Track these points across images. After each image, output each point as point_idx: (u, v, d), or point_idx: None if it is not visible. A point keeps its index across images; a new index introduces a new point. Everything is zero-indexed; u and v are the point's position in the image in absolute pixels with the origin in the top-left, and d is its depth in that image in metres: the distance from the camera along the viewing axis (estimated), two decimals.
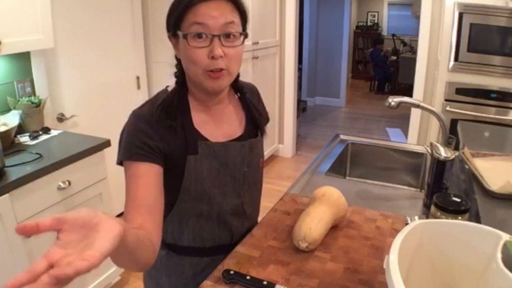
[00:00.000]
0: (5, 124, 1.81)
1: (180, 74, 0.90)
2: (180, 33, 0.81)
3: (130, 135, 0.83)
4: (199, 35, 0.79)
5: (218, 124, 0.93)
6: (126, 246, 0.59)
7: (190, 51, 0.80)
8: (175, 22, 0.82)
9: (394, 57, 7.26)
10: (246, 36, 0.85)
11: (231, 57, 0.82)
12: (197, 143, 0.87)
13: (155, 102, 0.86)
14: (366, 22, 8.23)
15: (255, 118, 0.98)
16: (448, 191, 1.14)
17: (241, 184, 0.95)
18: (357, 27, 8.16)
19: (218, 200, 0.92)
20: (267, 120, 1.10)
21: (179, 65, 0.90)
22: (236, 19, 0.83)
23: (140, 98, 2.88)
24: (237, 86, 0.99)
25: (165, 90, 0.92)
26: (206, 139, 0.89)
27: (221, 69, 0.81)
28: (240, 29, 0.84)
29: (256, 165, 0.98)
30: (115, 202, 2.17)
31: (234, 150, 0.91)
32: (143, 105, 0.88)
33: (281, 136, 4.12)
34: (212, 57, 0.79)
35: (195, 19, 0.79)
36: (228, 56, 0.81)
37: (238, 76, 0.95)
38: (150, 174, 0.81)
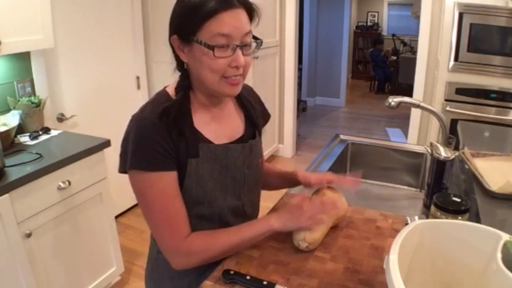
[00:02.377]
0: (5, 124, 1.81)
1: (185, 78, 0.88)
2: (199, 39, 0.79)
3: (139, 144, 0.81)
4: (222, 46, 0.79)
5: (220, 124, 0.93)
6: None
7: (212, 61, 0.79)
8: (192, 28, 0.79)
9: (394, 57, 7.26)
10: (261, 43, 0.86)
11: (247, 64, 0.84)
12: (198, 146, 0.86)
13: (155, 104, 0.85)
14: (366, 22, 8.23)
15: (253, 118, 0.99)
16: (448, 191, 1.14)
17: (241, 186, 0.95)
18: (357, 27, 8.16)
19: (219, 202, 0.91)
20: (268, 117, 1.10)
21: (179, 66, 0.88)
22: (250, 27, 0.83)
23: (140, 98, 2.89)
24: None
25: (164, 91, 0.90)
26: (208, 141, 0.88)
27: (239, 76, 0.83)
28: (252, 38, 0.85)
29: (256, 166, 0.98)
30: (115, 202, 2.18)
31: (236, 151, 0.91)
32: (143, 110, 0.86)
33: (281, 136, 4.12)
34: (236, 66, 0.81)
35: (220, 30, 0.77)
36: (245, 64, 0.83)
37: None
38: (174, 184, 0.85)
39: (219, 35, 0.78)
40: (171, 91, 0.90)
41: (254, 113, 1.00)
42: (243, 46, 0.81)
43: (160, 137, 0.81)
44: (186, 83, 0.88)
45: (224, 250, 0.88)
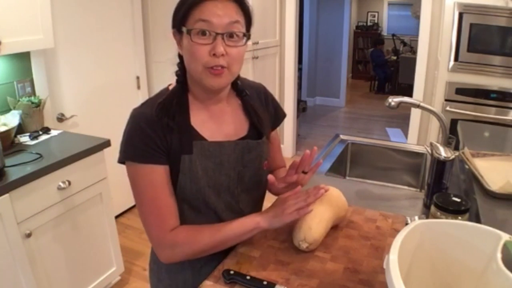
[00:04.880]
0: (5, 124, 1.81)
1: (181, 73, 0.91)
2: (184, 28, 0.82)
3: (133, 137, 0.84)
4: (203, 32, 0.80)
5: (218, 123, 0.93)
6: None
7: (193, 47, 0.81)
8: (181, 19, 0.83)
9: (394, 57, 7.26)
10: (249, 37, 0.86)
11: (233, 57, 0.83)
12: (192, 143, 0.87)
13: (155, 100, 0.87)
14: (366, 22, 8.23)
15: (254, 120, 0.98)
16: (448, 191, 1.14)
17: (235, 183, 0.95)
18: (357, 27, 8.16)
19: (213, 199, 0.92)
20: (282, 117, 1.10)
21: (180, 63, 0.91)
22: (241, 19, 0.84)
23: (140, 98, 2.89)
24: (238, 88, 0.98)
25: (167, 89, 0.93)
26: (203, 138, 0.89)
27: (222, 67, 0.82)
28: (243, 30, 0.85)
29: (256, 167, 0.97)
30: (115, 202, 2.17)
31: (229, 149, 0.92)
32: (143, 104, 0.89)
33: (281, 136, 4.13)
34: (214, 55, 0.80)
35: (200, 16, 0.80)
36: (230, 55, 0.82)
37: (238, 77, 0.95)
38: (164, 178, 0.86)
39: (200, 20, 0.80)
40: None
41: (255, 115, 0.98)
42: (227, 36, 0.81)
43: (152, 132, 0.83)
44: (181, 78, 0.91)
45: (209, 245, 0.88)
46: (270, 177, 0.93)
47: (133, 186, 0.87)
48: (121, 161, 0.87)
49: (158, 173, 0.85)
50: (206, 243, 0.88)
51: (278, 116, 1.09)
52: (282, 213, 0.88)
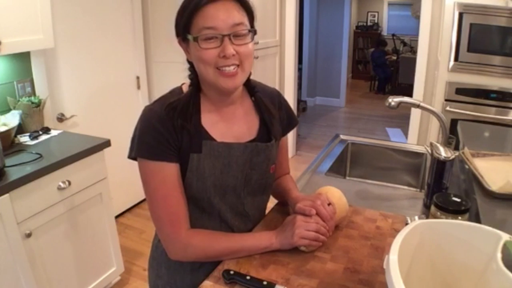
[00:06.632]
0: (5, 124, 1.81)
1: (194, 76, 0.91)
2: (190, 36, 0.82)
3: (145, 134, 0.85)
4: (209, 38, 0.80)
5: (229, 125, 0.93)
6: None
7: (201, 53, 0.81)
8: (184, 27, 0.83)
9: (394, 57, 7.26)
10: (255, 32, 0.86)
11: (243, 54, 0.83)
12: (201, 142, 0.88)
13: (168, 99, 0.88)
14: (366, 22, 8.23)
15: (267, 123, 0.98)
16: (448, 191, 1.14)
17: (242, 185, 0.95)
18: (357, 27, 8.16)
19: (218, 199, 0.92)
20: (294, 123, 1.09)
21: (192, 67, 0.91)
22: (244, 18, 0.84)
23: (140, 98, 2.89)
24: (250, 87, 0.98)
25: (180, 88, 0.93)
26: (212, 139, 0.89)
27: (235, 66, 0.83)
28: (248, 27, 0.85)
29: (264, 170, 0.97)
30: (115, 202, 2.18)
31: (238, 150, 0.92)
32: (155, 102, 0.90)
33: None
34: (224, 56, 0.81)
35: (204, 23, 0.80)
36: (240, 54, 0.83)
37: (249, 76, 0.95)
38: (176, 176, 0.87)
39: (205, 28, 0.80)
40: (185, 88, 0.93)
41: (269, 118, 0.98)
42: (234, 36, 0.81)
43: (163, 129, 0.84)
44: (194, 82, 0.91)
45: (222, 253, 0.90)
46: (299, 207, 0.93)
47: (145, 183, 0.88)
48: (132, 157, 0.88)
49: (170, 171, 0.86)
50: (220, 250, 0.90)
51: (290, 122, 1.08)
52: (292, 236, 0.90)
